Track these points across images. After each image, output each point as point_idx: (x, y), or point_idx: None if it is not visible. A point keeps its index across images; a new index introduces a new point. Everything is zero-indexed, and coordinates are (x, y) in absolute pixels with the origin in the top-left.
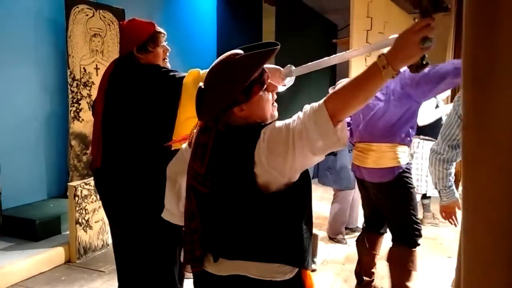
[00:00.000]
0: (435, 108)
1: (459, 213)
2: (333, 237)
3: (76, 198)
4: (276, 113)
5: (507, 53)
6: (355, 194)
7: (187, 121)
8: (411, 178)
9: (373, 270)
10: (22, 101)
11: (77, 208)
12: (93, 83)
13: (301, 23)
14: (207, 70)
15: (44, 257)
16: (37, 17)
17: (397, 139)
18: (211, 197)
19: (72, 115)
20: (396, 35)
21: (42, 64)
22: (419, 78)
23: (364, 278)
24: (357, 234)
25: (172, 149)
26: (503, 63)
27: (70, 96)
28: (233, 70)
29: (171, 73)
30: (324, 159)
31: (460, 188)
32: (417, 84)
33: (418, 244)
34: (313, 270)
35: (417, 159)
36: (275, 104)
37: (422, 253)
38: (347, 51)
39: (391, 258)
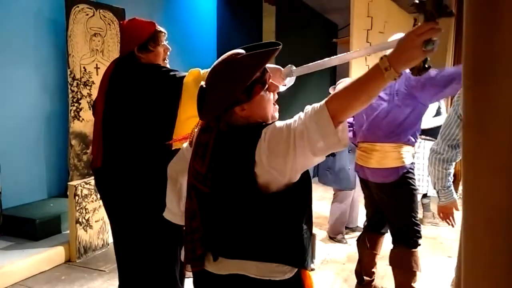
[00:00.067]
0: (437, 110)
1: (457, 214)
2: (333, 237)
3: (76, 198)
4: (276, 115)
5: (507, 53)
6: (355, 194)
7: (188, 121)
8: (414, 179)
9: (373, 269)
10: (22, 101)
11: (77, 208)
12: (93, 82)
13: (301, 22)
14: (208, 69)
15: (44, 257)
16: (37, 17)
17: (401, 140)
18: (211, 197)
19: (72, 114)
20: (396, 35)
21: (42, 64)
22: (425, 80)
23: (365, 277)
24: (357, 233)
25: (173, 148)
26: (503, 63)
27: (70, 95)
28: (235, 69)
29: (172, 73)
30: (324, 159)
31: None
32: (422, 86)
33: (419, 245)
34: (312, 270)
35: (419, 159)
36: (276, 106)
37: (422, 253)
38: (348, 52)
39: (394, 260)
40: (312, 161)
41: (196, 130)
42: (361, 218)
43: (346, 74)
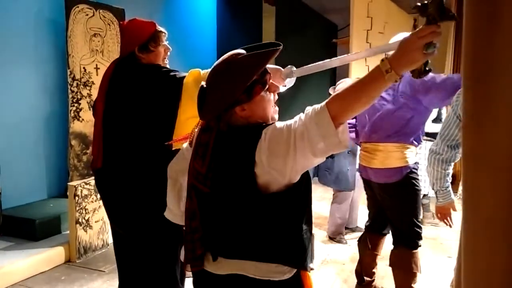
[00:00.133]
0: (438, 114)
1: (455, 214)
2: (333, 237)
3: (76, 198)
4: (276, 116)
5: (507, 53)
6: (355, 194)
7: (188, 121)
8: (418, 179)
9: (374, 270)
10: (22, 101)
11: (77, 208)
12: (93, 83)
13: (301, 23)
14: (208, 70)
15: (44, 257)
16: (37, 17)
17: (404, 140)
18: (211, 197)
19: (72, 114)
20: (400, 34)
21: (42, 64)
22: (431, 85)
23: (365, 278)
24: (357, 234)
25: (173, 148)
26: (503, 63)
27: (70, 95)
28: (235, 69)
29: (172, 73)
30: (324, 160)
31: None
32: (427, 90)
33: (419, 246)
34: (311, 269)
35: (420, 160)
36: (276, 107)
37: (422, 253)
38: (349, 54)
39: (394, 261)
40: (312, 162)
41: (196, 130)
42: (360, 218)
43: (346, 75)
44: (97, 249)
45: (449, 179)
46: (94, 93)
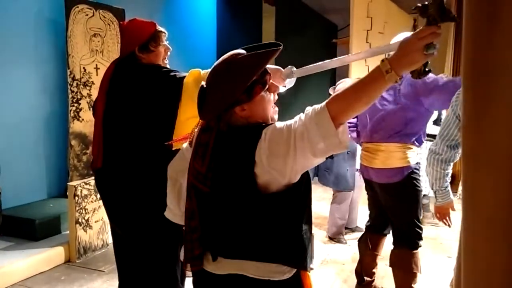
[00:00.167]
0: (438, 115)
1: (454, 214)
2: (333, 237)
3: (76, 198)
4: (276, 117)
5: (507, 53)
6: (354, 194)
7: (187, 121)
8: (420, 179)
9: (374, 270)
10: (22, 101)
11: (77, 208)
12: (93, 83)
13: (301, 23)
14: (208, 70)
15: (44, 257)
16: (37, 17)
17: (406, 141)
18: (211, 196)
19: (72, 114)
20: (401, 34)
21: (42, 64)
22: (434, 87)
23: (365, 278)
24: (357, 234)
25: (173, 148)
26: (503, 63)
27: (70, 96)
28: (235, 69)
29: (172, 73)
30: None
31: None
32: (429, 92)
33: (420, 246)
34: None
35: (421, 160)
36: (276, 108)
37: (422, 253)
38: (349, 55)
39: (394, 261)
40: (312, 162)
41: (196, 130)
42: (360, 218)
43: (346, 75)
44: (97, 249)
45: (448, 179)
46: (94, 93)
